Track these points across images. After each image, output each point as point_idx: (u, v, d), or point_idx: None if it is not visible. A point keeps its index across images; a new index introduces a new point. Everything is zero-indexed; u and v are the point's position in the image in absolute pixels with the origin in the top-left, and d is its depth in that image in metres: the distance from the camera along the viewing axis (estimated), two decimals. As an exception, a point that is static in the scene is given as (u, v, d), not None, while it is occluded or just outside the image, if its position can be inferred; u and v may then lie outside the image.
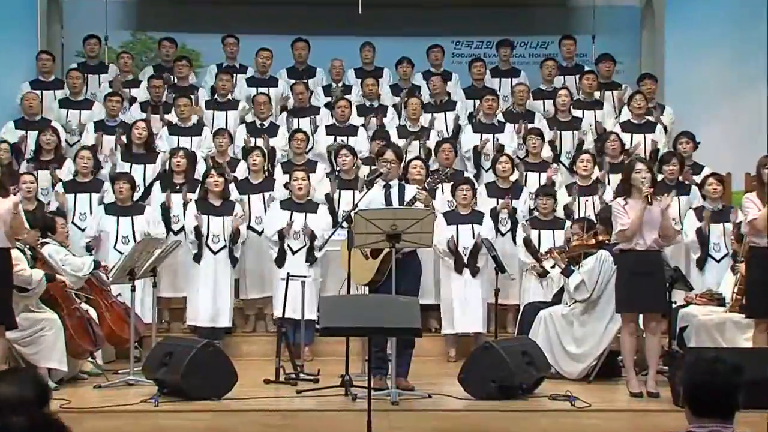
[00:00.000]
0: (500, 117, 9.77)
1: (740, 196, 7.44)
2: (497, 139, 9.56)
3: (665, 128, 9.69)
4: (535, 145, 9.20)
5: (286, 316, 7.70)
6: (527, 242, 8.45)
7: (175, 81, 10.20)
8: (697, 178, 8.87)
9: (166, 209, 8.63)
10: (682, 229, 8.45)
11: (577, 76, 10.29)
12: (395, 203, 6.92)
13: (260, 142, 9.42)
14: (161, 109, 9.80)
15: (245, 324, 8.98)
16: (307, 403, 6.62)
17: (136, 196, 8.65)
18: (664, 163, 8.75)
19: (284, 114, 10.03)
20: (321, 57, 10.62)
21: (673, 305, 7.36)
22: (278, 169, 9.22)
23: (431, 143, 9.44)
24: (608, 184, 8.92)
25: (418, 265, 6.98)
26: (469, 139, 9.61)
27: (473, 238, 8.36)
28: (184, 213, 8.54)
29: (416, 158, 8.68)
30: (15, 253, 6.64)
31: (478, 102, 9.94)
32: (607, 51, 10.62)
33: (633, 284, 6.64)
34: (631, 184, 6.67)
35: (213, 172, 8.50)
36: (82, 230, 8.61)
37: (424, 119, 9.77)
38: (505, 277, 7.98)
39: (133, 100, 10.02)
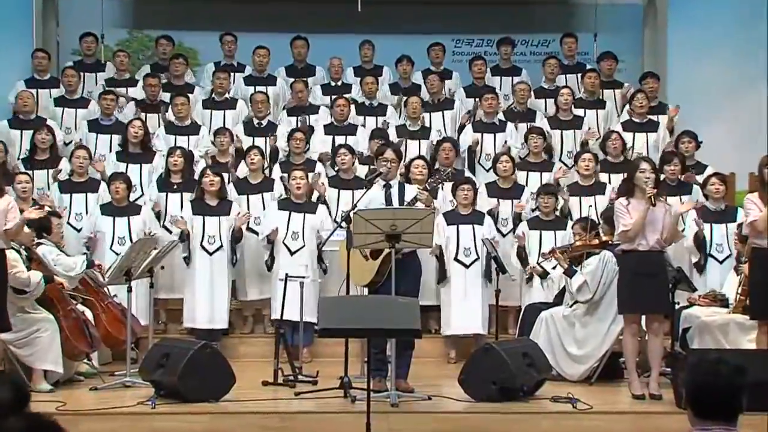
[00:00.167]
0: (501, 116, 9.70)
1: (744, 197, 7.38)
2: (499, 140, 9.49)
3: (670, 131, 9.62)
4: (536, 145, 9.14)
5: (285, 317, 7.64)
6: (520, 255, 8.40)
7: (170, 79, 10.14)
8: (700, 178, 8.81)
9: (158, 215, 8.61)
10: (683, 229, 8.40)
11: (579, 75, 10.23)
12: (395, 203, 6.87)
13: (261, 141, 9.35)
14: (163, 109, 9.74)
15: (243, 325, 8.92)
16: (305, 405, 6.59)
17: (133, 196, 8.60)
18: (665, 163, 8.68)
19: (284, 113, 9.96)
20: (320, 55, 10.57)
21: (676, 306, 7.31)
22: (276, 168, 9.16)
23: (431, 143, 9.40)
24: (609, 183, 8.88)
25: (418, 265, 6.95)
26: (469, 139, 9.55)
27: (473, 238, 8.30)
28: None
29: (419, 158, 8.62)
30: (12, 255, 6.63)
31: (478, 101, 9.88)
32: (609, 49, 10.57)
33: (635, 285, 6.60)
34: (634, 184, 6.63)
35: (208, 171, 8.44)
36: (78, 230, 8.57)
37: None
38: (506, 277, 7.92)
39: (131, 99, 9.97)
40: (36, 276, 6.77)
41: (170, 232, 8.52)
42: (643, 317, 6.81)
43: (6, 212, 6.46)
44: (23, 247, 7.00)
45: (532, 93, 10.03)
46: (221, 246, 8.36)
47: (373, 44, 10.56)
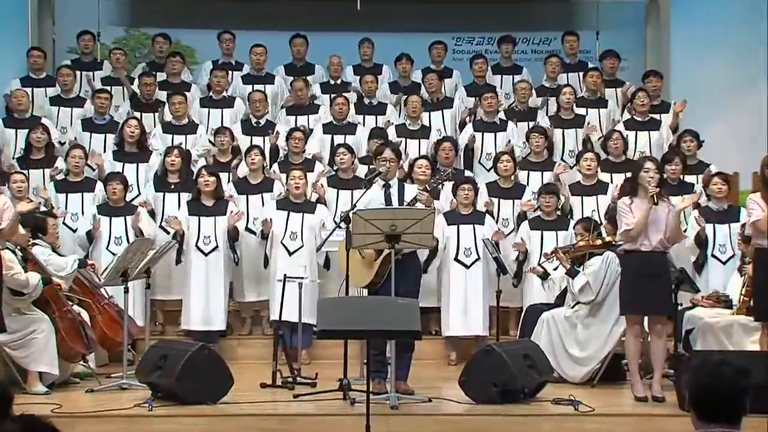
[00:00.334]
0: (502, 115, 9.64)
1: (747, 196, 7.33)
2: (499, 139, 9.43)
3: (675, 129, 9.55)
4: (537, 144, 9.07)
5: (283, 318, 7.59)
6: (518, 268, 8.37)
7: (167, 77, 10.09)
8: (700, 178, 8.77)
9: (152, 213, 8.56)
10: (686, 230, 8.34)
11: (581, 74, 10.17)
12: (395, 203, 6.81)
13: (258, 140, 9.28)
14: (162, 108, 9.69)
15: (241, 327, 8.86)
16: (304, 408, 6.55)
17: (130, 196, 8.54)
18: (666, 162, 8.62)
19: (282, 111, 9.90)
20: (319, 53, 10.54)
21: (679, 307, 7.25)
22: (275, 168, 9.09)
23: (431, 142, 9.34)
24: (611, 182, 8.83)
25: (418, 266, 6.93)
26: (465, 137, 9.47)
27: (474, 238, 8.24)
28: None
29: (422, 157, 8.55)
30: (8, 256, 6.58)
31: (478, 100, 9.82)
32: (612, 47, 10.53)
33: (638, 286, 6.56)
34: (637, 183, 6.58)
35: (204, 171, 8.38)
36: (74, 231, 8.50)
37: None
38: (507, 278, 7.85)
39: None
40: (34, 278, 6.73)
41: (168, 233, 8.46)
42: (646, 318, 6.75)
43: (1, 212, 6.40)
44: (19, 247, 6.94)
45: (533, 91, 9.97)
46: (217, 246, 8.30)
47: (373, 42, 10.52)
